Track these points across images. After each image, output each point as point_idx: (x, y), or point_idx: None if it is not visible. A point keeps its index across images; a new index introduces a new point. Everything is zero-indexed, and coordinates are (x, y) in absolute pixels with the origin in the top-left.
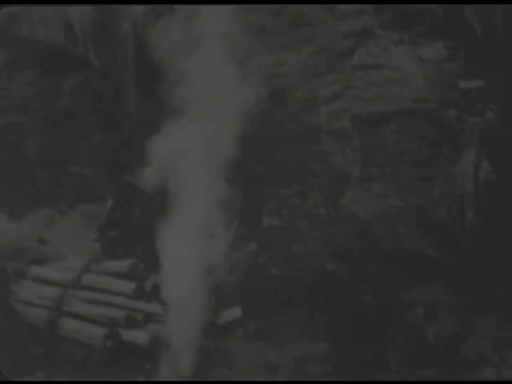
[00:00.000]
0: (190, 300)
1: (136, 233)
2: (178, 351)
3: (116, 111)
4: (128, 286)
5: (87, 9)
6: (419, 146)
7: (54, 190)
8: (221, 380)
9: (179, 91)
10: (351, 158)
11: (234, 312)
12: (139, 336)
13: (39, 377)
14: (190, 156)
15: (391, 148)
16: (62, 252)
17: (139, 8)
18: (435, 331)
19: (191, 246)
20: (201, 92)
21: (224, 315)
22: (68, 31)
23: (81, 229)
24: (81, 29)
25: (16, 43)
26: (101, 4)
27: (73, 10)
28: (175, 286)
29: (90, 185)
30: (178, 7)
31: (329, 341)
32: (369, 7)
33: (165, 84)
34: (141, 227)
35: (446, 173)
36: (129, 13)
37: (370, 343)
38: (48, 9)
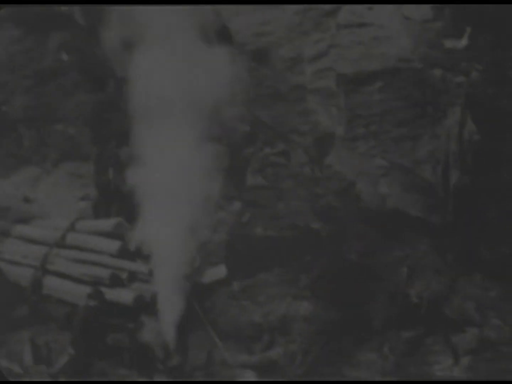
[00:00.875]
0: (174, 259)
1: (120, 192)
2: (161, 311)
3: (102, 69)
4: (113, 245)
5: None
6: (403, 105)
7: (39, 148)
8: (207, 336)
9: None
10: (336, 117)
11: (219, 271)
12: (124, 295)
13: (25, 335)
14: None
15: (376, 108)
16: (47, 211)
17: None
18: (419, 291)
19: (174, 206)
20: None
21: (208, 274)
22: None
23: (66, 188)
24: None
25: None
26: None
27: None
28: (159, 245)
29: (75, 144)
30: None
31: (313, 300)
32: None
33: None
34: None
35: (431, 132)
36: None
37: (353, 302)
38: None
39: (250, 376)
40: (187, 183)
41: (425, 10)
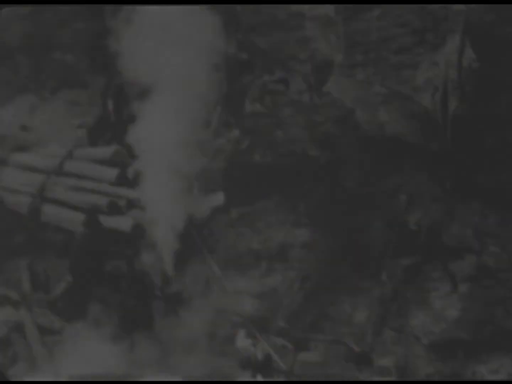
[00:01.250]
0: (172, 186)
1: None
2: (160, 238)
3: None
4: (111, 173)
5: None
6: (402, 32)
7: (36, 76)
8: (205, 263)
9: None
10: (334, 45)
11: (217, 199)
12: (121, 222)
13: (23, 262)
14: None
15: (374, 35)
16: (45, 139)
17: None
18: (417, 218)
19: (172, 133)
20: None
21: (206, 201)
22: None
23: (63, 115)
24: None
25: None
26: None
27: None
28: (157, 172)
29: (73, 72)
30: None
31: (311, 228)
32: None
33: None
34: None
35: (430, 60)
36: None
37: (352, 229)
38: None
39: (249, 303)
40: (185, 109)
41: None
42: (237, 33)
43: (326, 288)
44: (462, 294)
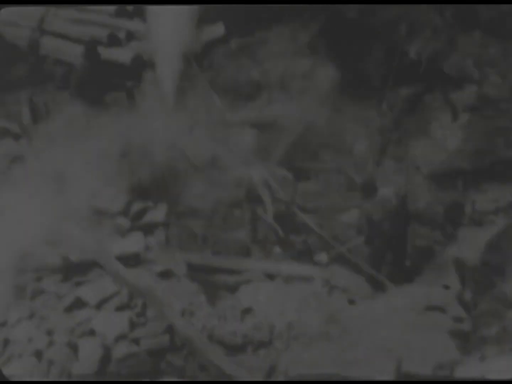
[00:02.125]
0: (172, 16)
1: None
2: (160, 69)
3: None
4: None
5: None
6: None
7: None
8: (205, 95)
9: None
10: None
11: (216, 30)
12: (121, 54)
13: (23, 96)
14: None
15: None
16: None
17: None
18: (417, 48)
19: None
20: None
21: (206, 32)
22: None
23: None
24: None
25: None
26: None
27: None
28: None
29: None
30: None
31: (312, 58)
32: None
33: None
34: None
35: None
36: None
37: (352, 59)
38: None
39: (249, 133)
40: None
41: None
42: None
43: (327, 118)
44: (463, 124)
